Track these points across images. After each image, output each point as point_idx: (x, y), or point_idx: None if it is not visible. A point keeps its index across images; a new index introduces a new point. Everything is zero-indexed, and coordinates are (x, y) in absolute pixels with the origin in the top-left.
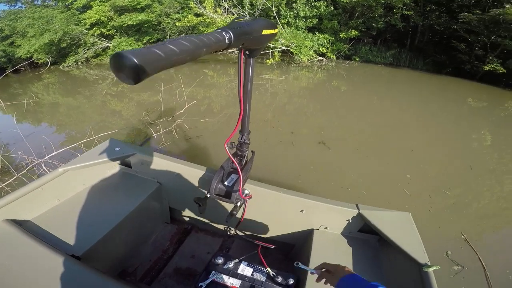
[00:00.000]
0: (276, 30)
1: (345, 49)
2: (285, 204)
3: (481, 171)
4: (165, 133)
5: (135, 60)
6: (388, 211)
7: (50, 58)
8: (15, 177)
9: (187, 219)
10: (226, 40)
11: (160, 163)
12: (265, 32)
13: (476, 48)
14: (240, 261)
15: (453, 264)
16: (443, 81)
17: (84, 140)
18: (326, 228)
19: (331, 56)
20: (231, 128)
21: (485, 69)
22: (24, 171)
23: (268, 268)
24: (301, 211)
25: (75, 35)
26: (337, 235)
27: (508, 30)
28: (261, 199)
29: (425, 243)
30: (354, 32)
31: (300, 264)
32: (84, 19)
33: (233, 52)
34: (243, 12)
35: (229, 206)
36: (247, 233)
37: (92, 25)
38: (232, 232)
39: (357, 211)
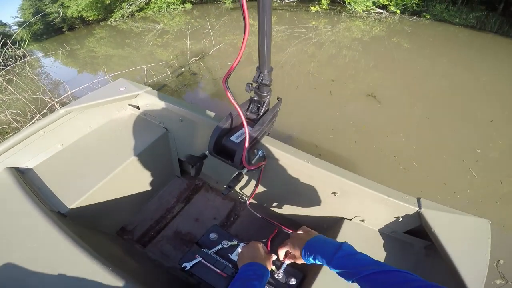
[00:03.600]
0: None
1: (413, 4)
2: (314, 179)
3: None
4: (188, 76)
5: None
6: (461, 214)
7: (99, 15)
8: (36, 117)
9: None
10: None
11: (168, 107)
12: None
13: None
14: (239, 244)
15: (497, 276)
16: None
17: (97, 79)
18: (362, 220)
19: (395, 10)
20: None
21: None
22: (45, 110)
23: None
24: (334, 193)
25: None
26: (373, 231)
27: None
28: (284, 166)
29: None
30: None
31: None
32: None
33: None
34: None
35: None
36: (262, 204)
37: None
38: (245, 198)
39: (417, 208)
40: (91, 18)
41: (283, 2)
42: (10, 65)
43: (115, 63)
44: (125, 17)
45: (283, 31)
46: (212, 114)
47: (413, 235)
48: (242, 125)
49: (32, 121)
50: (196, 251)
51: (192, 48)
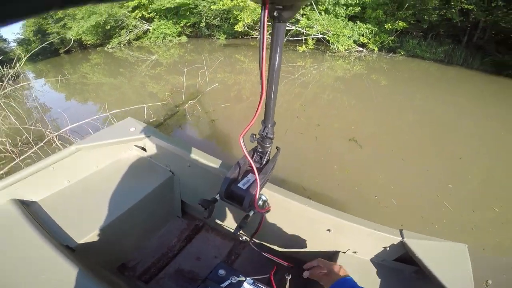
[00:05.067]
0: None
1: (390, 41)
2: (309, 219)
3: None
4: (183, 115)
5: None
6: (439, 241)
7: (97, 40)
8: (33, 150)
9: (199, 215)
10: None
11: (174, 150)
12: None
13: None
14: (245, 279)
15: None
16: (503, 83)
17: (97, 116)
18: (355, 252)
19: (373, 48)
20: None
21: None
22: (42, 144)
23: None
24: (328, 230)
25: (119, 18)
26: (366, 261)
27: None
28: (281, 208)
29: None
30: (401, 24)
31: None
32: (127, 1)
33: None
34: None
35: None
36: (262, 242)
37: (134, 8)
38: (245, 238)
39: (400, 238)
40: (89, 42)
41: None
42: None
43: (105, 93)
44: (121, 45)
45: None
46: (218, 161)
47: (402, 262)
48: (246, 173)
49: (27, 154)
50: (208, 285)
51: (186, 83)
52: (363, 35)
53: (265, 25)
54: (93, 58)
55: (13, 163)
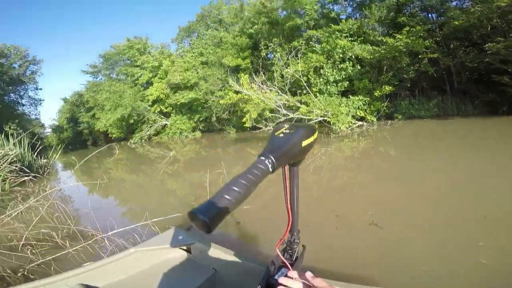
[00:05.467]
0: (316, 134)
1: (384, 108)
2: None
3: None
4: None
5: (206, 220)
6: None
7: (121, 134)
8: (82, 244)
9: None
10: (270, 168)
11: (216, 249)
12: (305, 143)
13: None
14: None
15: None
16: (504, 123)
17: (141, 223)
18: None
19: (371, 119)
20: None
21: None
22: (90, 241)
23: None
24: None
25: (141, 112)
26: None
27: None
28: None
29: None
30: (388, 88)
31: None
32: (147, 95)
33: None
34: (274, 85)
35: None
36: None
37: (153, 102)
38: None
39: None
40: (114, 136)
41: None
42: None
43: (127, 189)
44: (143, 140)
45: None
46: (253, 258)
47: None
48: (280, 267)
49: (76, 247)
50: None
51: (205, 180)
52: (358, 108)
53: (287, 178)
54: (116, 152)
55: (64, 251)
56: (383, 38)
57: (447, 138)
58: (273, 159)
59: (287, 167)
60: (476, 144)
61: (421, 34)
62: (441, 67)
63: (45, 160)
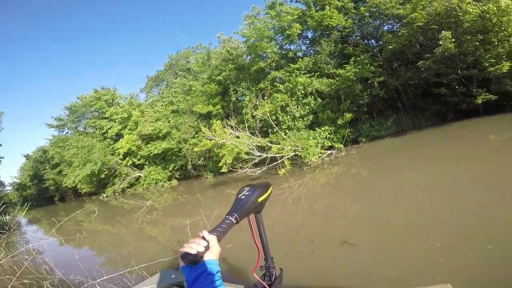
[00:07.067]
0: (270, 189)
1: (348, 134)
2: None
3: None
4: None
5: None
6: (425, 286)
7: (92, 188)
8: None
9: None
10: (235, 222)
11: None
12: (260, 199)
13: (457, 87)
14: None
15: None
16: (454, 129)
17: (128, 269)
18: None
19: (338, 146)
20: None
21: (479, 102)
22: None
23: None
24: None
25: (112, 166)
26: None
27: (462, 61)
28: None
29: None
30: (348, 115)
31: None
32: (117, 148)
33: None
34: (246, 126)
35: None
36: None
37: (125, 155)
38: None
39: None
40: (84, 191)
41: (257, 172)
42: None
43: (106, 240)
44: (116, 193)
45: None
46: (240, 286)
47: None
48: None
49: None
50: None
51: (183, 226)
52: (326, 137)
53: (252, 224)
54: (88, 206)
55: None
56: (335, 70)
57: (407, 152)
58: (236, 216)
59: (252, 216)
60: (432, 153)
61: (366, 61)
62: (390, 88)
63: (8, 217)
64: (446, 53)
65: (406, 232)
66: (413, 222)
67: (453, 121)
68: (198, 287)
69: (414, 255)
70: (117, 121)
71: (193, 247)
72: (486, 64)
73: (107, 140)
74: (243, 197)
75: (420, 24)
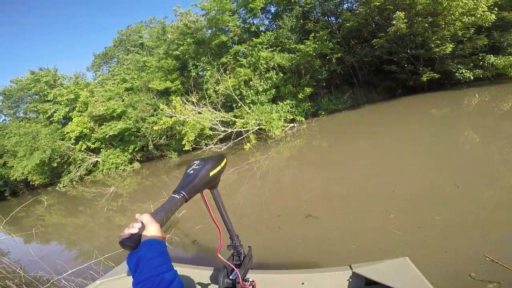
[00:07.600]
0: (224, 161)
1: (309, 107)
2: (287, 283)
3: (469, 180)
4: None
5: (131, 245)
6: (382, 262)
7: (46, 179)
8: None
9: None
10: (184, 200)
11: (177, 266)
12: (212, 172)
13: (405, 65)
14: None
15: (485, 283)
16: (401, 103)
17: (93, 261)
18: None
19: (300, 119)
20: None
21: (424, 79)
22: (48, 284)
23: None
24: (302, 283)
25: (63, 152)
26: None
27: (411, 41)
28: (267, 283)
29: (439, 275)
30: (308, 89)
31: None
32: (67, 132)
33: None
34: (208, 102)
35: None
36: None
37: (77, 139)
38: None
39: (351, 271)
40: (37, 183)
41: (223, 148)
42: None
43: (70, 233)
44: (74, 182)
45: (232, 174)
46: (209, 267)
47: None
48: (233, 270)
49: None
50: None
51: (150, 210)
52: (288, 111)
53: (207, 201)
54: (45, 199)
55: None
56: (296, 45)
57: (362, 124)
58: (183, 193)
59: (206, 192)
60: (383, 126)
61: (325, 37)
62: (346, 64)
63: None
64: (398, 33)
65: (364, 204)
66: (370, 194)
67: (401, 96)
68: (140, 274)
69: (372, 226)
70: (63, 103)
71: (125, 231)
72: (432, 45)
73: (53, 124)
74: (191, 171)
75: (377, 3)
